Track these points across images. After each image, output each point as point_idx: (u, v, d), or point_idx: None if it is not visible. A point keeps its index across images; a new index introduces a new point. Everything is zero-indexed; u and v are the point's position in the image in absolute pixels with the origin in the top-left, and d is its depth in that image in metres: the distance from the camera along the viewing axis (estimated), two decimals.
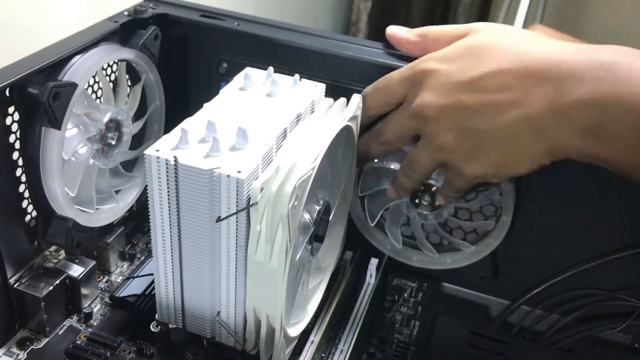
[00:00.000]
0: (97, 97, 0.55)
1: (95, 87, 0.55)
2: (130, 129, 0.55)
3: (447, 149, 0.45)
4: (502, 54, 0.42)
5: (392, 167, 0.55)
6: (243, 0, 1.14)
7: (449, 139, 0.45)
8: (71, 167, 0.50)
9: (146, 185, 0.44)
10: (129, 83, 0.56)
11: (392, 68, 0.52)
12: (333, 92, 0.52)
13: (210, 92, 0.56)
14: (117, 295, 0.55)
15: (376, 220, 0.59)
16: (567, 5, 1.69)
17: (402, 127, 0.48)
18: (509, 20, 1.42)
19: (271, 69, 0.52)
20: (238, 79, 0.52)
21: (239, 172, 0.41)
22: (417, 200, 0.57)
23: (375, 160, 0.56)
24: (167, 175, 0.42)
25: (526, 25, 1.37)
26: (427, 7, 1.65)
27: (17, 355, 0.50)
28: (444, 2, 1.66)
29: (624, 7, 1.59)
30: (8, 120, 0.46)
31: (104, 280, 0.58)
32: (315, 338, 0.51)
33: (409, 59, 0.52)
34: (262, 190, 0.41)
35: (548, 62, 0.41)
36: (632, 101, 0.38)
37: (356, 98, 0.50)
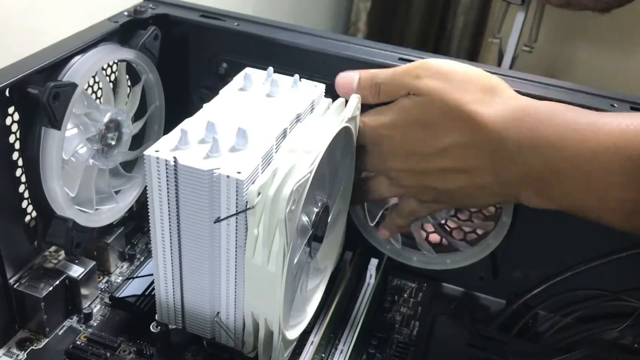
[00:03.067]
0: (97, 98, 0.55)
1: (95, 87, 0.55)
2: (130, 129, 0.55)
3: (413, 194, 0.52)
4: (443, 130, 0.47)
5: None
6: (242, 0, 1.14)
7: (413, 189, 0.51)
8: (71, 167, 0.50)
9: (146, 186, 0.44)
10: (129, 83, 0.56)
11: (391, 67, 0.52)
12: (332, 93, 0.52)
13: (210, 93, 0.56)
14: (117, 295, 0.55)
15: (376, 220, 0.59)
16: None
17: (371, 171, 0.54)
18: (509, 18, 1.42)
19: (271, 69, 0.52)
20: (238, 79, 0.52)
21: (238, 172, 0.41)
22: None
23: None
24: (167, 176, 0.42)
25: (525, 24, 1.37)
26: (427, 7, 1.64)
27: (17, 356, 0.50)
28: (443, 2, 1.66)
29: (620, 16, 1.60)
30: (8, 121, 0.46)
31: (104, 280, 0.58)
32: (315, 338, 0.51)
33: (408, 60, 0.53)
34: (259, 194, 0.41)
35: (483, 135, 0.45)
36: (565, 148, 0.43)
37: (355, 98, 0.50)
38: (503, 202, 0.50)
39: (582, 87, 0.51)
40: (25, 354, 0.50)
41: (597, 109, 0.49)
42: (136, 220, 0.62)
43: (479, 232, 0.58)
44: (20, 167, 0.48)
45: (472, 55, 1.70)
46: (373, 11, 1.64)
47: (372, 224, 0.59)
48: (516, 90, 0.48)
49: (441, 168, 0.48)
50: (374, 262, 0.58)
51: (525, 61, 1.47)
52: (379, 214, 0.58)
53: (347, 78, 0.52)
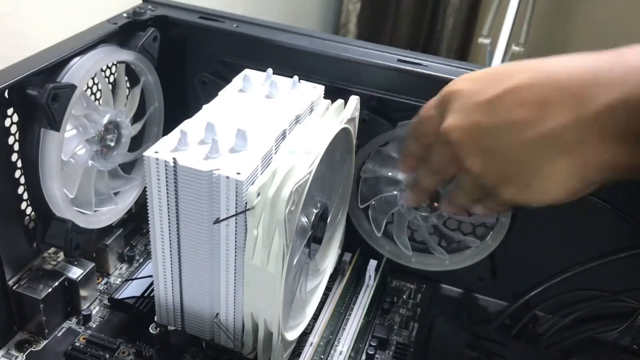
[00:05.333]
0: (96, 99, 0.55)
1: (94, 88, 0.55)
2: (129, 130, 0.55)
3: (476, 173, 0.43)
4: (521, 71, 0.41)
5: (390, 175, 0.55)
6: (232, 0, 1.14)
7: (476, 161, 0.43)
8: (70, 168, 0.50)
9: (145, 187, 0.44)
10: (128, 85, 0.56)
11: (390, 70, 0.53)
12: (331, 94, 0.52)
13: (209, 94, 0.56)
14: (116, 297, 0.55)
15: (382, 229, 0.59)
16: (556, 5, 1.69)
17: (440, 154, 0.45)
18: (498, 20, 1.42)
19: (270, 70, 0.52)
20: (237, 81, 0.52)
21: (238, 173, 0.41)
22: None
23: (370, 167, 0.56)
24: (167, 177, 0.42)
25: (515, 25, 1.37)
26: (416, 8, 1.64)
27: (16, 358, 0.50)
28: (433, 3, 1.65)
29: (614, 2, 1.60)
30: (7, 122, 0.46)
31: (103, 282, 0.58)
32: (314, 340, 0.51)
33: (407, 61, 0.53)
34: (258, 195, 0.41)
35: (568, 72, 0.39)
36: None
37: (354, 99, 0.50)
38: (584, 171, 0.39)
39: None
40: (24, 355, 0.50)
41: None
42: (135, 222, 0.62)
43: (478, 232, 0.58)
44: (19, 168, 0.48)
45: (462, 55, 1.69)
46: (363, 12, 1.64)
47: (379, 234, 0.59)
48: None
49: (511, 117, 0.40)
50: (373, 263, 0.59)
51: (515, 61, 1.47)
52: (384, 222, 0.58)
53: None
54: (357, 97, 0.51)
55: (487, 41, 1.47)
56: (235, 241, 0.43)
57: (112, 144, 0.54)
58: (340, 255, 0.59)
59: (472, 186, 0.45)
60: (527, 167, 0.41)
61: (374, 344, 0.54)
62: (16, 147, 0.47)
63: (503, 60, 1.39)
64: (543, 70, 0.40)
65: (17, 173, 0.48)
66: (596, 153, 0.38)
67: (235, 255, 0.44)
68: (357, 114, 0.51)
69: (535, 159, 0.40)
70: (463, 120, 0.42)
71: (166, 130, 0.53)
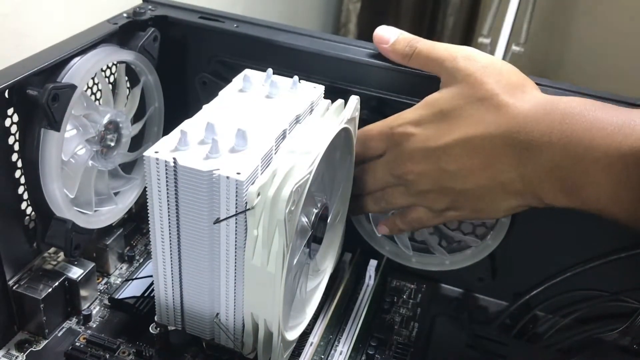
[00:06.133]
0: (96, 99, 0.55)
1: (95, 88, 0.55)
2: (129, 130, 0.55)
3: (427, 203, 0.50)
4: (469, 120, 0.45)
5: None
6: (232, 0, 1.14)
7: (429, 195, 0.49)
8: (70, 168, 0.50)
9: (145, 187, 0.44)
10: (128, 85, 0.56)
11: (389, 70, 0.53)
12: (331, 94, 0.52)
13: (209, 94, 0.56)
14: (116, 297, 0.55)
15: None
16: (556, 5, 1.69)
17: (386, 182, 0.52)
18: (498, 20, 1.42)
19: (270, 70, 0.52)
20: (237, 81, 0.52)
21: (238, 173, 0.41)
22: None
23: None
24: (167, 177, 0.42)
25: (515, 25, 1.37)
26: (417, 8, 1.64)
27: (16, 358, 0.50)
28: (433, 3, 1.65)
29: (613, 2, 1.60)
30: (7, 122, 0.46)
31: (103, 282, 0.58)
32: (314, 339, 0.51)
33: None
34: (259, 195, 0.41)
35: (511, 127, 0.44)
36: (595, 147, 0.41)
37: (354, 99, 0.50)
38: (524, 205, 0.46)
39: (588, 90, 0.51)
40: (25, 355, 0.50)
41: None
42: (135, 222, 0.62)
43: (478, 233, 0.58)
44: (19, 168, 0.48)
45: None
46: (363, 12, 1.64)
47: (379, 235, 0.59)
48: None
49: (464, 164, 0.46)
50: (373, 263, 0.59)
51: (515, 61, 1.47)
52: None
53: (386, 31, 0.51)
54: (357, 97, 0.51)
55: (487, 41, 1.47)
56: (236, 241, 0.43)
57: (112, 144, 0.54)
58: (340, 255, 0.59)
59: (423, 212, 0.51)
60: (478, 202, 0.47)
61: (374, 344, 0.54)
62: (16, 147, 0.47)
63: (503, 60, 1.39)
64: (486, 121, 0.45)
65: (17, 173, 0.48)
66: (539, 199, 0.45)
67: (236, 255, 0.44)
68: (357, 114, 0.51)
69: (487, 198, 0.47)
70: (420, 165, 0.48)
71: (166, 130, 0.53)
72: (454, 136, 0.46)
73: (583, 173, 0.42)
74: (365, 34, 1.66)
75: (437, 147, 0.46)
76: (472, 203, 0.48)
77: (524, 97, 0.45)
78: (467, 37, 1.69)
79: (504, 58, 1.39)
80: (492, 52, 1.41)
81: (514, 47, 1.45)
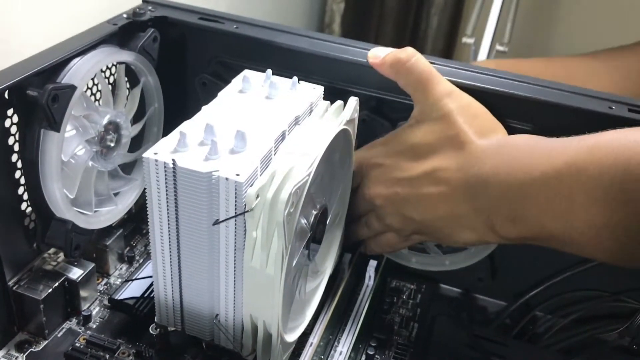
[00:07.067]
0: (96, 100, 0.55)
1: (94, 89, 0.55)
2: (129, 131, 0.55)
3: (394, 227, 0.53)
4: (436, 155, 0.48)
5: None
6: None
7: (395, 221, 0.52)
8: (70, 169, 0.50)
9: (145, 188, 0.44)
10: (128, 85, 0.56)
11: None
12: (330, 95, 0.52)
13: (208, 95, 0.56)
14: (116, 297, 0.55)
15: None
16: (539, 4, 1.69)
17: (363, 208, 0.55)
18: (482, 20, 1.42)
19: (269, 71, 0.52)
20: (236, 82, 0.52)
21: (237, 175, 0.41)
22: None
23: None
24: (166, 178, 0.43)
25: (499, 24, 1.37)
26: (400, 8, 1.63)
27: (16, 358, 0.50)
28: (417, 3, 1.65)
29: None
30: (7, 123, 0.46)
31: (103, 282, 0.58)
32: (314, 340, 0.51)
33: None
34: (258, 196, 0.41)
35: (468, 162, 0.47)
36: (533, 169, 0.43)
37: (353, 101, 0.50)
38: (481, 239, 0.49)
39: (581, 90, 0.51)
40: (24, 356, 0.50)
41: (595, 112, 0.49)
42: (135, 222, 0.62)
43: None
44: (19, 169, 0.48)
45: (446, 55, 1.68)
46: (347, 13, 1.64)
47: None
48: (522, 95, 0.50)
49: (425, 194, 0.49)
50: (372, 263, 0.59)
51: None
52: None
53: (380, 50, 0.53)
54: (356, 98, 0.51)
55: (470, 41, 1.47)
56: (235, 242, 0.43)
57: (112, 145, 0.54)
58: (340, 256, 0.59)
59: (391, 236, 0.55)
60: (438, 232, 0.51)
61: (374, 344, 0.54)
62: (16, 147, 0.47)
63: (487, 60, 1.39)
64: (450, 158, 0.48)
65: (17, 173, 0.48)
66: (493, 232, 0.47)
67: (235, 257, 0.44)
68: (356, 115, 0.51)
69: (445, 229, 0.50)
70: (385, 190, 0.51)
71: (166, 131, 0.53)
72: (420, 169, 0.49)
73: (525, 196, 0.44)
74: (350, 34, 1.65)
75: (402, 178, 0.50)
76: (433, 232, 0.51)
77: (489, 138, 0.48)
78: (451, 37, 1.69)
79: (488, 57, 1.39)
80: (476, 52, 1.42)
81: (498, 47, 1.45)
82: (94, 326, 0.53)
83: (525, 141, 0.46)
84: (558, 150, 0.43)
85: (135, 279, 0.57)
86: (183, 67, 0.60)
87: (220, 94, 0.50)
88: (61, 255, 0.54)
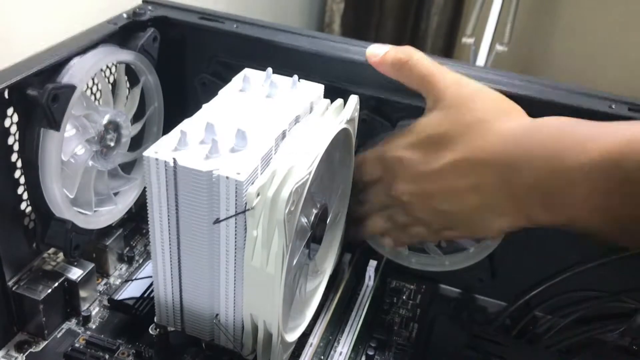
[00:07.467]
0: (96, 99, 0.55)
1: (94, 89, 0.55)
2: (129, 130, 0.55)
3: (425, 221, 0.51)
4: (456, 145, 0.47)
5: None
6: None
7: (425, 214, 0.51)
8: (70, 168, 0.50)
9: (145, 187, 0.44)
10: (128, 85, 0.56)
11: None
12: (331, 94, 0.52)
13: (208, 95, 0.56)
14: (115, 298, 0.55)
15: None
16: (539, 4, 1.70)
17: (385, 203, 0.54)
18: (482, 20, 1.42)
19: (270, 70, 0.52)
20: (237, 80, 0.52)
21: (238, 173, 0.41)
22: None
23: None
24: (166, 177, 0.42)
25: (498, 24, 1.38)
26: (400, 7, 1.63)
27: (16, 359, 0.50)
28: (417, 2, 1.65)
29: None
30: (7, 122, 0.46)
31: (103, 282, 0.58)
32: (314, 340, 0.51)
33: None
34: (258, 195, 0.41)
35: (494, 149, 0.46)
36: (567, 157, 0.43)
37: (353, 99, 0.50)
38: (514, 225, 0.47)
39: (582, 89, 0.51)
40: (24, 356, 0.50)
41: (595, 111, 0.49)
42: (135, 222, 0.62)
43: None
44: (19, 168, 0.48)
45: (446, 55, 1.68)
46: (347, 12, 1.64)
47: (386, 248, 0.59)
48: (522, 94, 0.50)
49: (453, 187, 0.48)
50: (372, 263, 0.58)
51: (499, 60, 1.48)
52: None
53: (378, 47, 0.52)
54: (357, 96, 0.51)
55: (470, 41, 1.47)
56: (235, 241, 0.43)
57: (112, 144, 0.54)
58: (340, 256, 0.59)
59: (422, 229, 0.53)
60: (470, 223, 0.49)
61: (373, 345, 0.54)
62: (16, 147, 0.47)
63: (487, 60, 1.40)
64: (472, 145, 0.46)
65: (17, 173, 0.48)
66: (527, 217, 0.46)
67: (235, 256, 0.44)
68: (356, 114, 0.51)
69: (477, 219, 0.49)
70: (411, 186, 0.50)
71: (166, 130, 0.53)
72: (442, 161, 0.48)
73: (559, 184, 0.43)
74: (350, 34, 1.65)
75: (425, 171, 0.49)
76: (464, 224, 0.50)
77: (508, 122, 0.47)
78: (451, 37, 1.69)
79: (487, 57, 1.39)
80: (476, 52, 1.42)
81: (498, 47, 1.45)
82: (94, 326, 0.53)
83: (558, 125, 0.45)
84: (594, 138, 0.42)
85: (135, 279, 0.57)
86: (183, 66, 0.60)
87: (221, 92, 0.50)
88: (61, 255, 0.53)
